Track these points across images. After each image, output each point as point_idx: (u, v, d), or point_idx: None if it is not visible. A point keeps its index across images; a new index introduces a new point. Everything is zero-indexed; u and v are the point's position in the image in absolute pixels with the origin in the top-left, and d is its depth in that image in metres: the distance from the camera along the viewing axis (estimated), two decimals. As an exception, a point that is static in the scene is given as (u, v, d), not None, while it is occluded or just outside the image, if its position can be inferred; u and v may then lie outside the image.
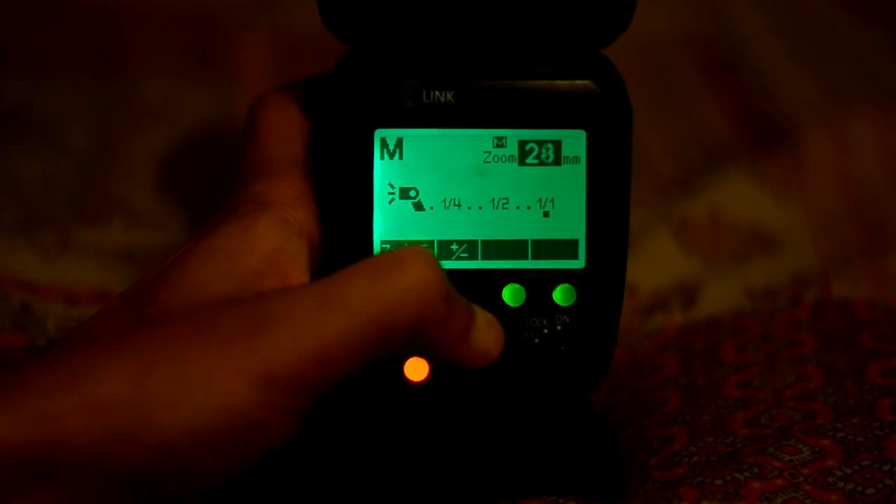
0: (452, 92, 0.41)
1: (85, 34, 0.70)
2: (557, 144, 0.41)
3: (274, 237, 0.39)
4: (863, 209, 0.60)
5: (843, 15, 0.77)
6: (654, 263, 0.57)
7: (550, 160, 0.41)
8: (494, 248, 0.42)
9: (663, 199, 0.61)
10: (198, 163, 0.62)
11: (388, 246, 0.41)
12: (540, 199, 0.42)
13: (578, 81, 0.41)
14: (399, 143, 0.41)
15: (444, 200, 0.41)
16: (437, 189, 0.41)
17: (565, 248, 0.42)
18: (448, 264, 0.41)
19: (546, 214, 0.42)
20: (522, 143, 0.41)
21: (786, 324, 0.51)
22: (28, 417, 0.34)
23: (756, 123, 0.67)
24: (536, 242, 0.42)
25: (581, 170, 0.41)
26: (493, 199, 0.42)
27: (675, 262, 0.57)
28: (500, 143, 0.41)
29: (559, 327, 0.42)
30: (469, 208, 0.41)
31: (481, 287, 0.41)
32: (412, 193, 0.41)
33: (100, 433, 0.35)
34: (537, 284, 0.42)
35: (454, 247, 0.42)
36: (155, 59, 0.69)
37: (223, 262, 0.38)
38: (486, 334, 0.39)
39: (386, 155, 0.41)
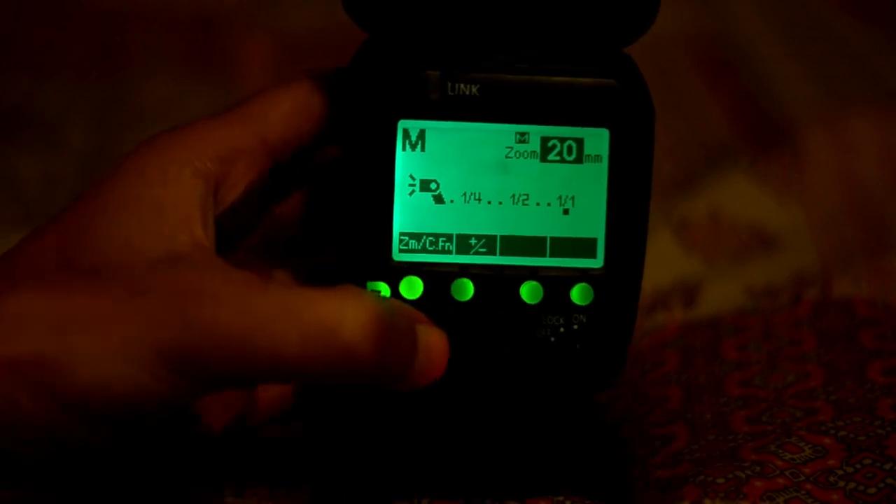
0: (477, 86, 0.40)
1: (85, 34, 0.70)
2: (580, 142, 0.41)
3: (193, 195, 0.39)
4: (863, 208, 0.60)
5: (843, 15, 0.77)
6: (655, 262, 0.56)
7: (572, 158, 0.41)
8: (513, 244, 0.41)
9: (664, 198, 0.61)
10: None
11: (406, 237, 0.41)
12: (560, 197, 0.41)
13: (602, 80, 0.40)
14: (422, 134, 0.41)
15: (465, 194, 0.41)
16: (457, 182, 0.41)
17: (584, 246, 0.41)
18: (466, 259, 0.41)
19: (566, 212, 0.41)
20: (545, 140, 0.41)
21: (786, 323, 0.51)
22: None
23: (756, 123, 0.67)
24: (555, 240, 0.41)
25: (603, 169, 0.41)
26: (514, 195, 0.41)
27: (675, 260, 0.57)
28: (522, 138, 0.41)
29: (576, 326, 0.41)
30: (489, 203, 0.41)
31: (498, 283, 0.41)
32: (433, 186, 0.41)
33: (23, 387, 0.35)
34: (555, 283, 0.41)
35: (473, 241, 0.41)
36: (155, 60, 0.69)
37: (150, 220, 0.38)
38: (428, 362, 0.38)
39: (408, 146, 0.41)
